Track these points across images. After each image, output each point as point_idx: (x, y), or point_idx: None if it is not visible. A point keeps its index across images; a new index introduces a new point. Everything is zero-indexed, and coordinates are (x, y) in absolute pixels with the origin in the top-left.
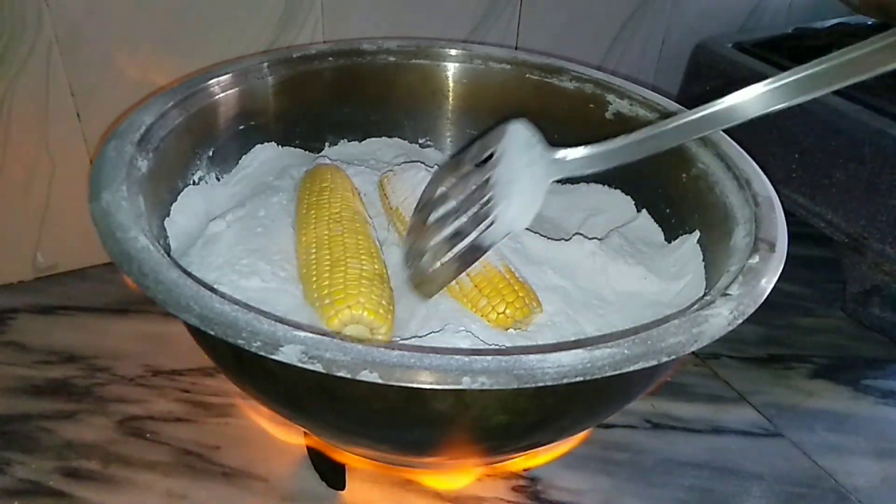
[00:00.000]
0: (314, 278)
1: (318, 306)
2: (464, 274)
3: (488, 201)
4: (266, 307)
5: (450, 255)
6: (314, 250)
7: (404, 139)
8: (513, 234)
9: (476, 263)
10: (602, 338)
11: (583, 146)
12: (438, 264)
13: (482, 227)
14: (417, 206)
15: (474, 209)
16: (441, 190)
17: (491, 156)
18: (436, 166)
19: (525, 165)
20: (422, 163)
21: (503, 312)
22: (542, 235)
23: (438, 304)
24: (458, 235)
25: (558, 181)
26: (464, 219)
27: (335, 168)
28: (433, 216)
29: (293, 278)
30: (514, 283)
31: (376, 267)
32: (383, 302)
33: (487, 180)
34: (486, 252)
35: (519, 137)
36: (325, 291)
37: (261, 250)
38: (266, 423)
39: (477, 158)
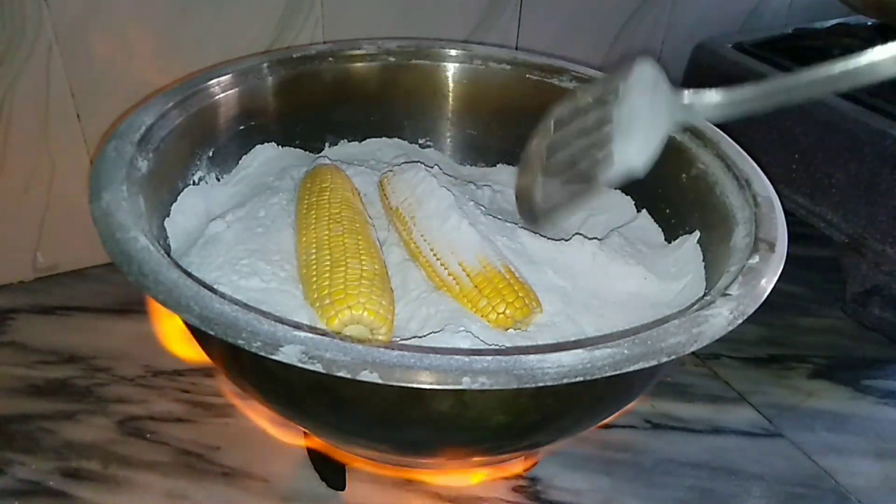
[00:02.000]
0: (314, 278)
1: (318, 306)
2: (464, 274)
3: (606, 136)
4: (266, 307)
5: (565, 185)
6: (314, 251)
7: (404, 139)
8: (631, 173)
9: (476, 263)
10: (602, 338)
11: (713, 90)
12: (552, 197)
13: (598, 157)
14: (531, 137)
15: (591, 141)
16: (558, 117)
17: (615, 93)
18: (436, 166)
19: (649, 105)
20: (422, 163)
21: (503, 313)
22: (542, 235)
23: (439, 304)
24: (573, 167)
25: None
26: (578, 151)
27: (335, 168)
28: (548, 149)
29: (293, 278)
30: (514, 283)
31: (377, 267)
32: (383, 302)
33: (607, 117)
34: (599, 187)
35: (645, 77)
36: (325, 291)
37: (261, 250)
38: (266, 423)
39: (599, 94)
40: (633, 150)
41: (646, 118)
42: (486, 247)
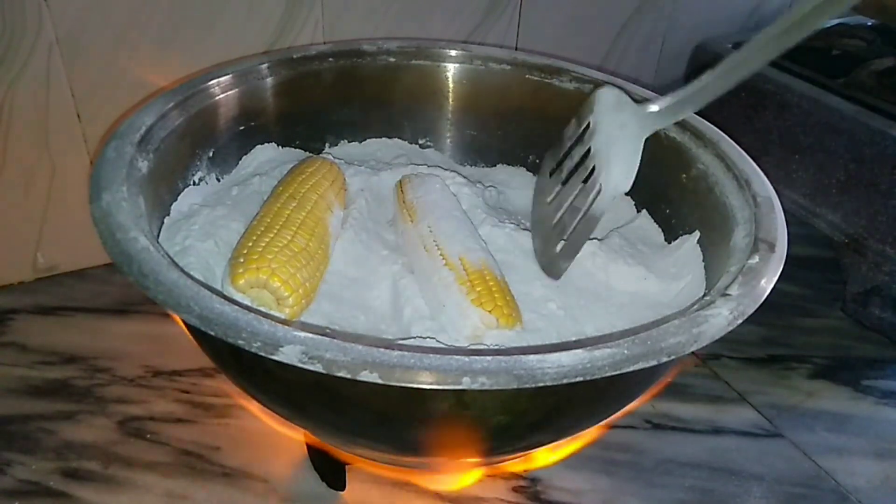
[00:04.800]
0: (242, 240)
1: (231, 265)
2: (461, 267)
3: (592, 172)
4: (218, 269)
5: (569, 232)
6: (259, 218)
7: (404, 140)
8: (619, 193)
9: (476, 262)
10: (602, 338)
11: (669, 94)
12: (561, 244)
13: (591, 198)
14: (534, 199)
15: (581, 183)
16: (550, 168)
17: (587, 128)
18: (453, 173)
19: (619, 128)
20: (438, 176)
21: (489, 310)
22: None
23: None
24: (573, 212)
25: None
26: (574, 194)
27: (327, 161)
28: (549, 199)
29: None
30: (506, 292)
31: (310, 245)
32: (297, 276)
33: (588, 152)
34: (599, 220)
35: (608, 102)
36: (243, 251)
37: (224, 217)
38: (266, 424)
39: (575, 135)
40: (616, 174)
41: (620, 142)
42: (488, 256)
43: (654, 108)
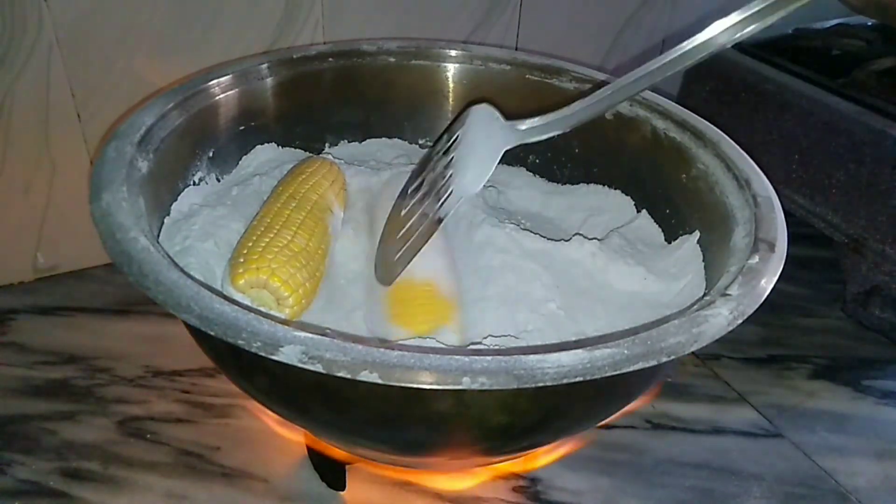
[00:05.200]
0: (243, 240)
1: (231, 265)
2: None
3: (448, 177)
4: (218, 269)
5: (412, 233)
6: (259, 218)
7: (404, 140)
8: (465, 197)
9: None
10: (602, 338)
11: (539, 116)
12: (405, 246)
13: (441, 201)
14: (394, 205)
15: (437, 189)
16: (414, 184)
17: (454, 141)
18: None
19: (483, 139)
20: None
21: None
22: (541, 236)
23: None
24: (422, 217)
25: (558, 182)
26: (428, 201)
27: (327, 161)
28: (403, 212)
29: None
30: (435, 299)
31: (309, 245)
32: (297, 276)
33: (450, 161)
34: (441, 222)
35: (479, 117)
36: (243, 251)
37: (225, 217)
38: (266, 424)
39: (445, 146)
40: (469, 177)
41: (480, 150)
42: (446, 265)
43: (521, 126)
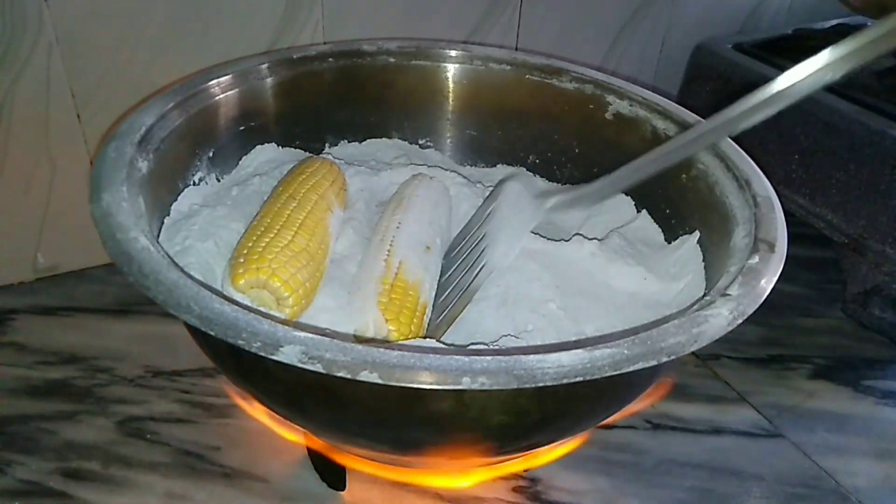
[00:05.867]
0: (243, 240)
1: (230, 265)
2: (394, 272)
3: (482, 251)
4: (218, 269)
5: (451, 301)
6: (259, 218)
7: (404, 140)
8: (496, 270)
9: (413, 274)
10: (602, 338)
11: (565, 193)
12: (445, 312)
13: (474, 273)
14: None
15: (471, 261)
16: (453, 253)
17: (489, 214)
18: (453, 173)
19: (514, 213)
20: (446, 187)
21: (388, 318)
22: (541, 236)
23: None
24: (459, 286)
25: (558, 182)
26: (463, 272)
27: (327, 161)
28: (444, 279)
29: None
30: (419, 313)
31: (310, 245)
32: (298, 276)
33: (484, 235)
34: (475, 293)
35: (511, 191)
36: (243, 251)
37: (225, 217)
38: (266, 424)
39: (480, 219)
40: (498, 254)
41: (511, 225)
42: (428, 278)
43: (548, 203)
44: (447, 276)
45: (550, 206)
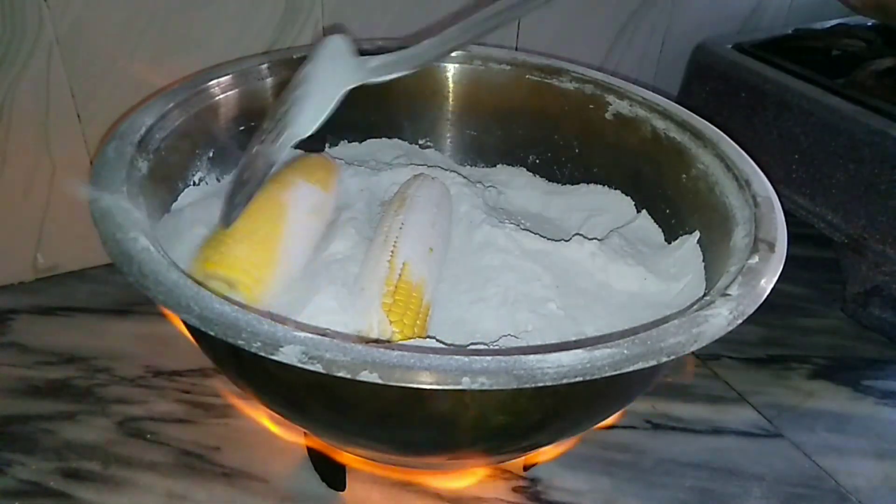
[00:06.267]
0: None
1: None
2: (398, 273)
3: (288, 116)
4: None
5: (248, 175)
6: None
7: (404, 140)
8: (299, 137)
9: (417, 275)
10: (602, 338)
11: (391, 53)
12: (243, 188)
13: (277, 141)
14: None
15: (276, 128)
16: (266, 122)
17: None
18: (453, 173)
19: (329, 74)
20: (447, 188)
21: (392, 321)
22: (541, 236)
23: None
24: (258, 157)
25: (558, 182)
26: (269, 140)
27: (315, 156)
28: (252, 147)
29: None
30: (423, 315)
31: (258, 226)
32: (246, 260)
33: (293, 99)
34: (274, 164)
35: (328, 51)
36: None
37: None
38: (266, 424)
39: (294, 81)
40: (301, 120)
41: (322, 89)
42: (432, 280)
43: (370, 63)
44: (252, 149)
45: (373, 67)
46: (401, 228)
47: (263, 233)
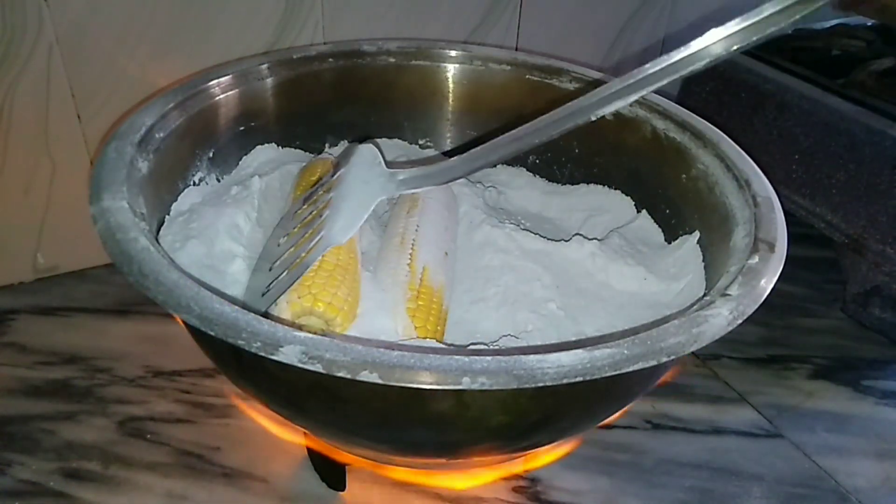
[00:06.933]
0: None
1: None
2: (419, 276)
3: (323, 220)
4: (211, 272)
5: (283, 272)
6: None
7: (404, 140)
8: (334, 245)
9: (436, 281)
10: (602, 338)
11: (419, 167)
12: (275, 280)
13: (311, 244)
14: (273, 231)
15: (311, 228)
16: (295, 212)
17: (336, 177)
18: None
19: (361, 183)
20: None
21: (416, 326)
22: (541, 236)
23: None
24: (293, 256)
25: (558, 182)
26: (301, 239)
27: (329, 161)
28: (282, 237)
29: (250, 243)
30: (442, 319)
31: (340, 258)
32: (338, 294)
33: (329, 201)
34: (310, 266)
35: (363, 158)
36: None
37: (224, 216)
38: (266, 424)
39: (327, 181)
40: (337, 228)
41: (355, 197)
42: (450, 283)
43: (399, 176)
44: (282, 241)
45: (402, 179)
46: (416, 231)
47: (352, 269)
